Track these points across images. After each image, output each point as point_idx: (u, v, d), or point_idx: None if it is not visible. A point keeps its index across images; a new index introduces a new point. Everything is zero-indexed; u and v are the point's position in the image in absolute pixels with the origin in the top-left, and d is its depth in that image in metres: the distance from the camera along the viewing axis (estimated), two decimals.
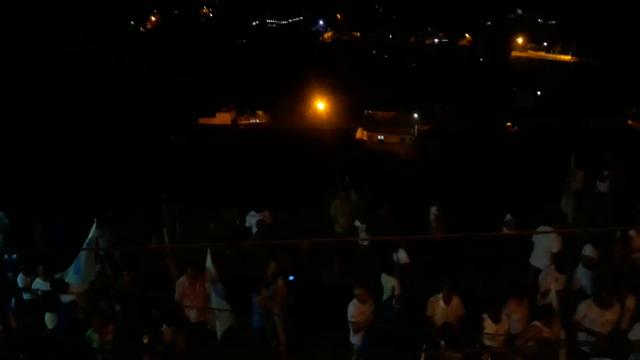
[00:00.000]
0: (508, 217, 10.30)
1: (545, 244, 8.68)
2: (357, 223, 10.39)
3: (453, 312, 7.45)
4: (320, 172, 18.16)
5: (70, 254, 9.94)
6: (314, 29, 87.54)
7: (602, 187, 11.03)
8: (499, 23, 78.19)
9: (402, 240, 8.60)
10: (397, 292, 7.71)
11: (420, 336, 7.19)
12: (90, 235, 9.14)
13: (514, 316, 7.21)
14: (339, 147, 34.98)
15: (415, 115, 52.08)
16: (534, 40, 76.94)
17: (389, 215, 10.27)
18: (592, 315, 6.76)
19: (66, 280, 8.88)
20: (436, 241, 9.96)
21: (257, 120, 57.14)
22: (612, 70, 54.20)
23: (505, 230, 10.79)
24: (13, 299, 8.92)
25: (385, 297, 8.09)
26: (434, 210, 11.21)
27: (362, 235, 10.20)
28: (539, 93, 58.20)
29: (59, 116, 33.22)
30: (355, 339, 7.72)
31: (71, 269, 8.94)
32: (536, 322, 6.80)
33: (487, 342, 6.97)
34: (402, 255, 8.75)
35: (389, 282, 8.14)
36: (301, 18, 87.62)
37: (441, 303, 7.49)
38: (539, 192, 11.83)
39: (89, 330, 7.46)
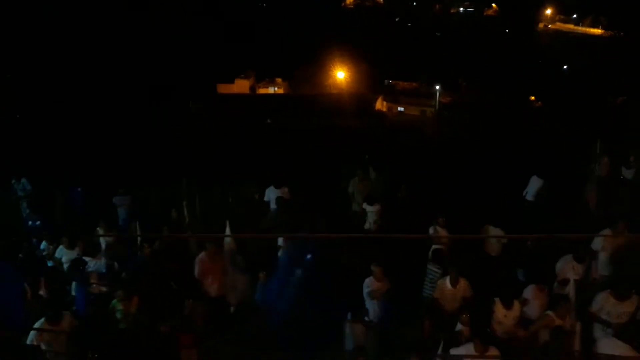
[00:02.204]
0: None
1: None
2: (365, 205, 10.18)
3: (460, 293, 7.56)
4: (338, 145, 18.10)
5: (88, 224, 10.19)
6: None
7: (628, 173, 10.78)
8: None
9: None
10: None
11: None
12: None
13: (534, 302, 7.23)
14: (358, 118, 34.66)
15: (437, 86, 51.06)
16: (563, 12, 74.39)
17: (407, 196, 10.23)
18: (608, 307, 6.68)
19: None
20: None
21: (276, 89, 56.67)
22: None
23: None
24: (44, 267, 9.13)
25: None
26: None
27: (371, 216, 10.06)
28: (565, 67, 56.61)
29: (78, 87, 33.35)
30: (371, 315, 7.83)
31: None
32: (549, 312, 6.82)
33: (496, 327, 7.00)
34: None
35: None
36: None
37: (448, 285, 7.60)
38: (561, 175, 11.65)
39: (114, 300, 7.65)
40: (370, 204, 10.07)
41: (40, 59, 37.36)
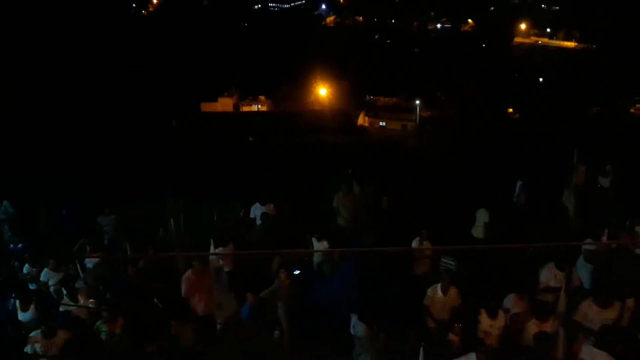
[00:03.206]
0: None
1: None
2: (314, 240, 9.69)
3: (450, 302, 7.63)
4: (322, 161, 18.21)
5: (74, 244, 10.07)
6: (316, 12, 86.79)
7: (604, 182, 11.07)
8: (502, 8, 77.50)
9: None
10: None
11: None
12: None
13: (515, 311, 7.28)
14: (340, 133, 34.95)
15: (417, 101, 51.78)
16: (537, 26, 76.37)
17: (391, 208, 10.33)
18: (591, 315, 6.78)
19: None
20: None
21: (259, 106, 56.79)
22: (616, 58, 53.81)
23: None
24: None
25: None
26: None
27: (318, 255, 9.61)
28: (541, 80, 57.90)
29: (60, 105, 33.07)
30: (357, 330, 7.85)
31: None
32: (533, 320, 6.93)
33: (482, 336, 7.05)
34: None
35: None
36: (303, 2, 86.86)
37: (439, 293, 7.63)
38: (540, 184, 11.89)
39: (98, 322, 7.57)
40: (319, 239, 9.67)
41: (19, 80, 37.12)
